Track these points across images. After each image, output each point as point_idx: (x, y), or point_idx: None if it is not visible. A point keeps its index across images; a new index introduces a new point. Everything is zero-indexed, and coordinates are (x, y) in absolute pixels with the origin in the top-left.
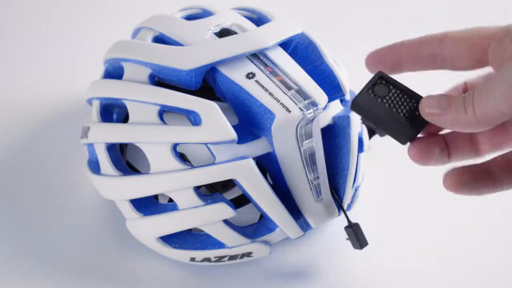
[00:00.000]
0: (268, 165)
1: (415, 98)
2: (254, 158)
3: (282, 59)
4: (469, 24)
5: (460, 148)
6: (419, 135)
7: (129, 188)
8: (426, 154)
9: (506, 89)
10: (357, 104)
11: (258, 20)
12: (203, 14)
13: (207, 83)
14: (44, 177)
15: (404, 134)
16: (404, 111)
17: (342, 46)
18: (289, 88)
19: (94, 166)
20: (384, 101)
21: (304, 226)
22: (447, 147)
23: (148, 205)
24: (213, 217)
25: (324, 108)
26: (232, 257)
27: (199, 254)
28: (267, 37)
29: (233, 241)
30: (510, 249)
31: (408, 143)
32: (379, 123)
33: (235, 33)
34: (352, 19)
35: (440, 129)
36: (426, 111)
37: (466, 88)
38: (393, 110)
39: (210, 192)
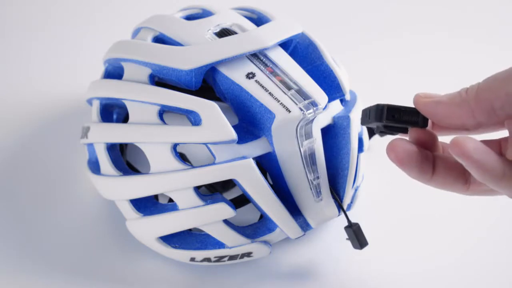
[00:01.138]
0: (268, 165)
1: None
2: (254, 158)
3: (282, 59)
4: (469, 23)
5: (448, 169)
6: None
7: (129, 188)
8: (407, 154)
9: None
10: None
11: (258, 20)
12: (203, 14)
13: (207, 83)
14: (44, 177)
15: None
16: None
17: (342, 46)
18: (289, 88)
19: (94, 166)
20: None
21: (304, 226)
22: (434, 166)
23: (148, 205)
24: (213, 217)
25: (324, 108)
26: (232, 257)
27: (199, 254)
28: (267, 37)
29: (233, 241)
30: (511, 251)
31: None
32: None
33: (235, 33)
34: (352, 19)
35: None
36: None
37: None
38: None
39: (210, 192)
